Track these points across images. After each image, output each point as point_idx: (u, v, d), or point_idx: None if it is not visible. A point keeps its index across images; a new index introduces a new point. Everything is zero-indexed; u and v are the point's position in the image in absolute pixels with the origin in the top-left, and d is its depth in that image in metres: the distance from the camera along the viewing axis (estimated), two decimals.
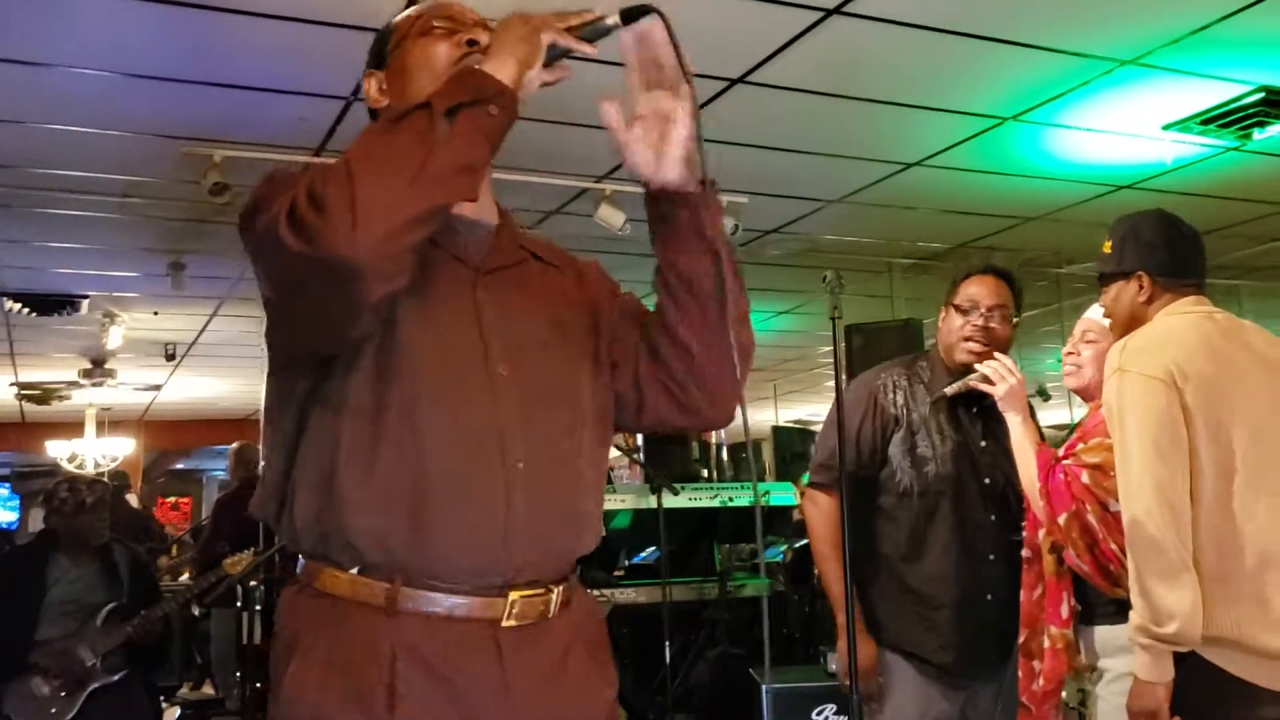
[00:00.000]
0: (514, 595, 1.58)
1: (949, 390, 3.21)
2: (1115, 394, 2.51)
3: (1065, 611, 2.87)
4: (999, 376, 3.06)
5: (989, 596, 3.15)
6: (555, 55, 1.56)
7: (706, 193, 1.69)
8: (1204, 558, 2.39)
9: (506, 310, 1.68)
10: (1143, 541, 2.40)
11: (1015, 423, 3.02)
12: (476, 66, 1.52)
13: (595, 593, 5.47)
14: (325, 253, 1.36)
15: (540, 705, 1.58)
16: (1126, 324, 2.73)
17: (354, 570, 1.55)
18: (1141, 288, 2.71)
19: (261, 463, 1.65)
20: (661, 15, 1.57)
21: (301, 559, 1.63)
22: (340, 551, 1.56)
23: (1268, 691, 2.37)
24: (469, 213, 1.71)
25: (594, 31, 1.57)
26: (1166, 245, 2.71)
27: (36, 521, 9.39)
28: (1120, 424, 2.49)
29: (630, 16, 1.58)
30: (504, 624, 1.57)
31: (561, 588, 1.66)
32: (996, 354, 3.14)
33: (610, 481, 6.23)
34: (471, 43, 1.67)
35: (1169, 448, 2.42)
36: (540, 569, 1.62)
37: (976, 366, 3.13)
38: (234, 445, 7.91)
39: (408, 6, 1.78)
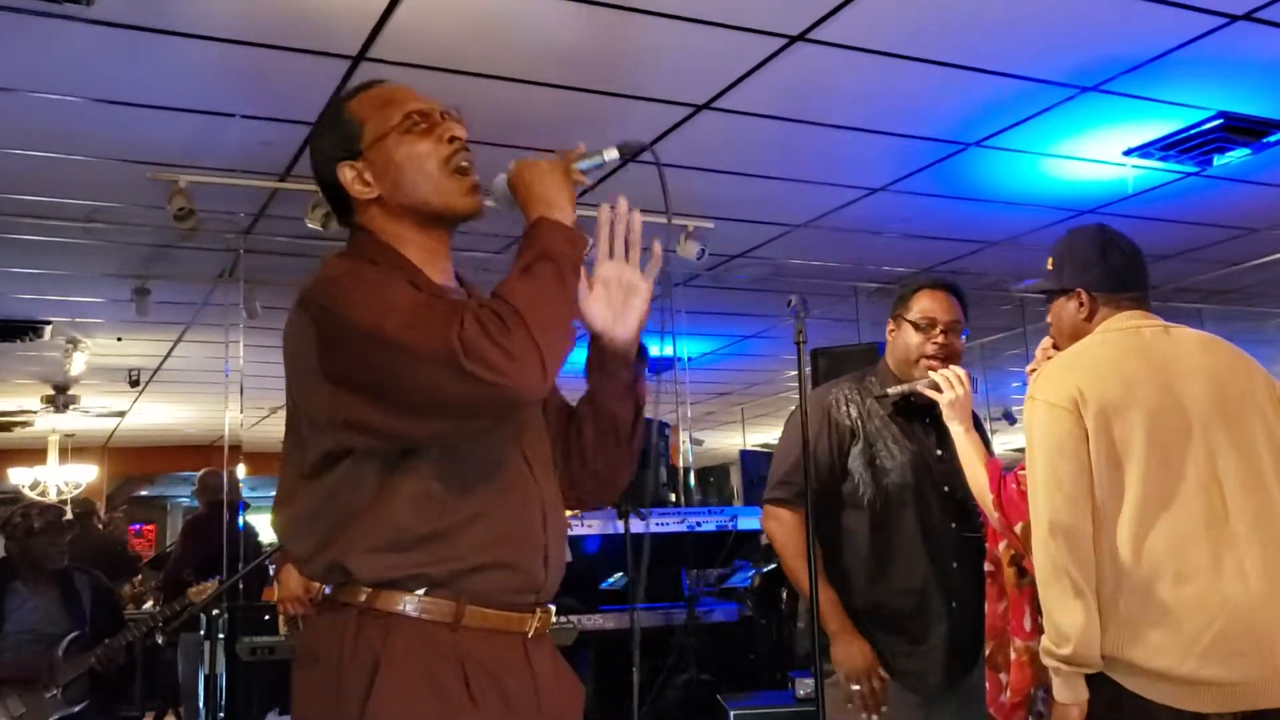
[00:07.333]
0: (539, 611, 1.82)
1: (892, 391, 3.27)
2: (1026, 420, 2.58)
3: (1029, 624, 2.89)
4: (948, 385, 3.12)
5: (953, 604, 3.19)
6: None
7: (644, 361, 1.98)
8: (1102, 580, 2.44)
9: None
10: (1042, 566, 2.46)
11: (959, 433, 3.07)
12: (555, 219, 1.74)
13: (563, 618, 5.45)
14: (517, 391, 1.57)
15: (554, 703, 1.81)
16: (1070, 340, 2.77)
17: (420, 591, 1.70)
18: (1081, 304, 2.74)
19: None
20: (656, 158, 1.82)
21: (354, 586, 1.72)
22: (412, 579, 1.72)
23: (1163, 708, 2.39)
24: (449, 282, 1.90)
25: (595, 165, 1.81)
26: (1102, 261, 2.74)
27: None
28: (1030, 450, 2.55)
29: (627, 153, 1.83)
30: (529, 635, 1.80)
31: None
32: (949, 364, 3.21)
33: None
34: (453, 139, 1.84)
35: (1067, 473, 2.46)
36: (553, 588, 1.87)
37: (929, 374, 3.18)
38: (200, 472, 8.47)
39: (350, 87, 1.92)
